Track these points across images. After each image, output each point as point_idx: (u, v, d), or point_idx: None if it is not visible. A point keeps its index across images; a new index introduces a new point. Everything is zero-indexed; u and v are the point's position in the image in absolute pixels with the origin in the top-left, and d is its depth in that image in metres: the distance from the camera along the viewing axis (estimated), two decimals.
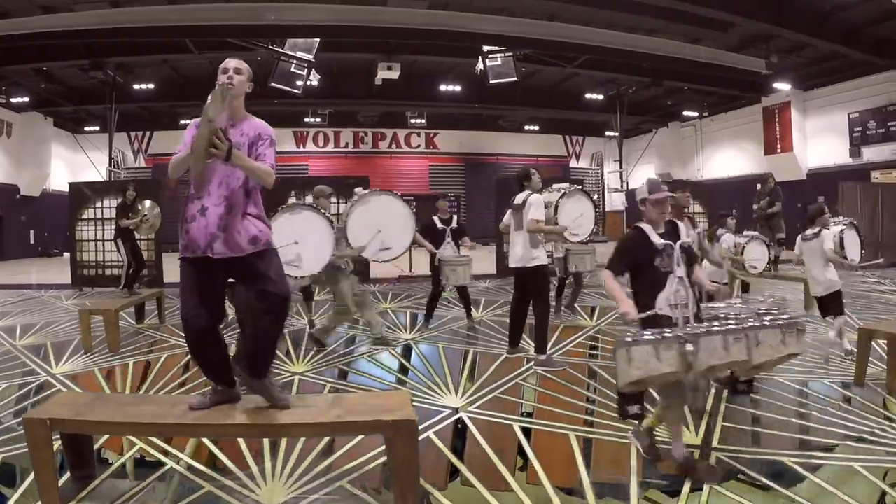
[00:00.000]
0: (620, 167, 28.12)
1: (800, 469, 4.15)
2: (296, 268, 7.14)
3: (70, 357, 7.75)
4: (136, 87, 23.02)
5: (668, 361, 3.62)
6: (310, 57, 17.89)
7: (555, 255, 9.65)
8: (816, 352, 7.33)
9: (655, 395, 5.08)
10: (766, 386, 6.05)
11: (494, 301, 11.77)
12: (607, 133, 32.56)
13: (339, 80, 24.81)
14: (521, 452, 4.58)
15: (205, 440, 4.60)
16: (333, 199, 15.84)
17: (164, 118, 28.59)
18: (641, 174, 29.21)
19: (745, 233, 10.14)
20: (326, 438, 4.67)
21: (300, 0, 16.47)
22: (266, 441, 4.58)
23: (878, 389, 5.92)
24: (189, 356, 6.08)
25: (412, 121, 31.11)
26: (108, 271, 15.43)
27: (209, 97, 3.46)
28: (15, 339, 8.96)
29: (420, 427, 4.77)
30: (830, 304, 7.30)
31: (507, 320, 7.76)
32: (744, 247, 9.44)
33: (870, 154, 22.82)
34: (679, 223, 4.54)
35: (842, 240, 7.57)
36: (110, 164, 24.07)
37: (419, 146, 34.53)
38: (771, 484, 3.95)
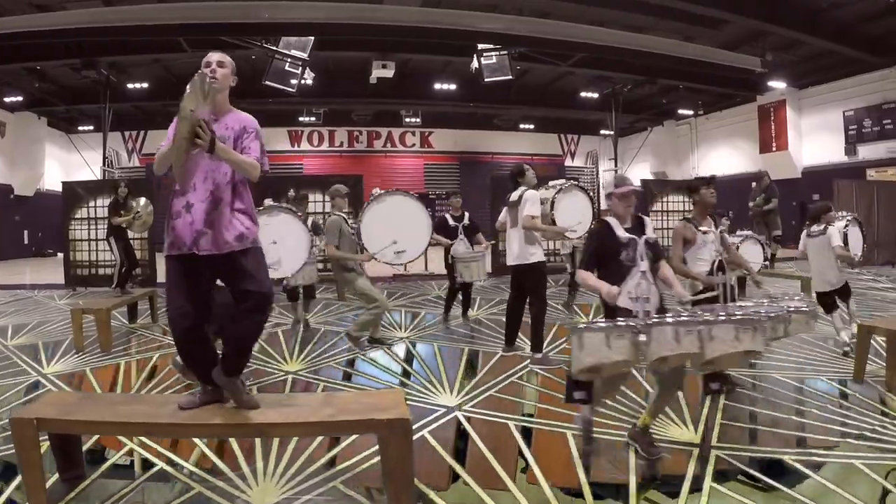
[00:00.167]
0: (615, 166, 28.03)
1: (800, 467, 4.11)
2: (274, 270, 7.08)
3: (61, 357, 7.68)
4: (129, 86, 22.84)
5: (619, 350, 3.69)
6: (304, 55, 17.78)
7: (562, 252, 9.71)
8: (815, 348, 7.31)
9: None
10: (764, 383, 6.04)
11: (490, 299, 11.72)
12: (602, 132, 32.46)
13: (333, 79, 24.70)
14: (518, 452, 4.52)
15: (196, 440, 4.54)
16: (328, 199, 15.92)
17: (158, 117, 28.30)
18: (637, 173, 29.19)
19: (739, 232, 10.12)
20: (320, 438, 4.61)
21: None
22: (258, 441, 4.52)
23: (878, 386, 5.89)
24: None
25: (407, 120, 31.00)
26: (101, 271, 15.32)
27: (188, 87, 3.38)
28: (6, 339, 8.88)
29: (415, 426, 4.74)
30: (840, 296, 7.38)
31: (504, 318, 7.72)
32: (737, 246, 9.41)
33: (865, 152, 22.78)
34: (646, 218, 4.74)
35: (846, 235, 7.70)
36: (104, 164, 23.90)
37: (414, 145, 34.37)
38: (771, 482, 3.90)
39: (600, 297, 4.43)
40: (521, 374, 6.63)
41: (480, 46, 18.41)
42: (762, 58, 20.17)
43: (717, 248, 5.80)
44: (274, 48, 17.54)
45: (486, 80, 18.94)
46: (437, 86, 24.94)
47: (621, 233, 4.48)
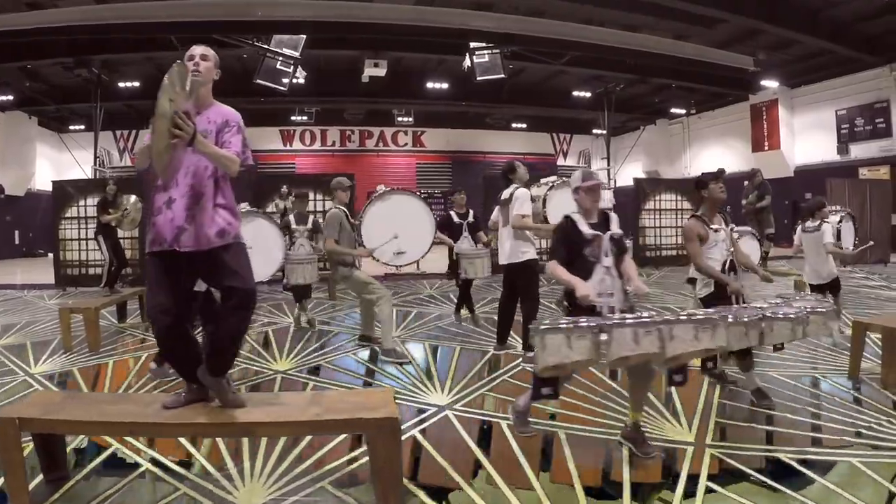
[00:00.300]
0: (608, 165, 28.02)
1: (796, 465, 4.08)
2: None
3: (49, 357, 7.61)
4: (121, 85, 22.70)
5: (580, 350, 3.76)
6: (296, 54, 17.72)
7: None
8: (810, 346, 7.29)
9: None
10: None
11: (482, 298, 11.66)
12: (595, 131, 32.46)
13: (325, 78, 24.61)
14: (510, 450, 4.47)
15: (182, 440, 4.48)
16: (320, 197, 15.87)
17: (150, 116, 27.90)
18: (629, 172, 29.20)
19: (737, 228, 10.09)
20: (309, 437, 4.55)
21: None
22: (246, 441, 4.46)
23: (873, 384, 5.88)
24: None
25: (399, 119, 31.00)
26: (92, 270, 15.20)
27: (165, 79, 3.31)
28: None
29: (405, 426, 4.70)
30: (830, 290, 7.60)
31: (496, 317, 7.68)
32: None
33: (858, 151, 22.82)
34: (611, 214, 4.73)
35: (839, 230, 8.08)
36: (95, 163, 23.80)
37: (406, 144, 34.36)
38: (767, 480, 3.87)
39: (564, 291, 4.49)
40: (512, 372, 6.58)
41: (473, 45, 18.38)
42: (755, 57, 20.20)
43: (729, 247, 5.67)
44: (266, 46, 17.50)
45: (478, 78, 18.94)
46: (430, 85, 24.89)
47: (586, 229, 4.50)
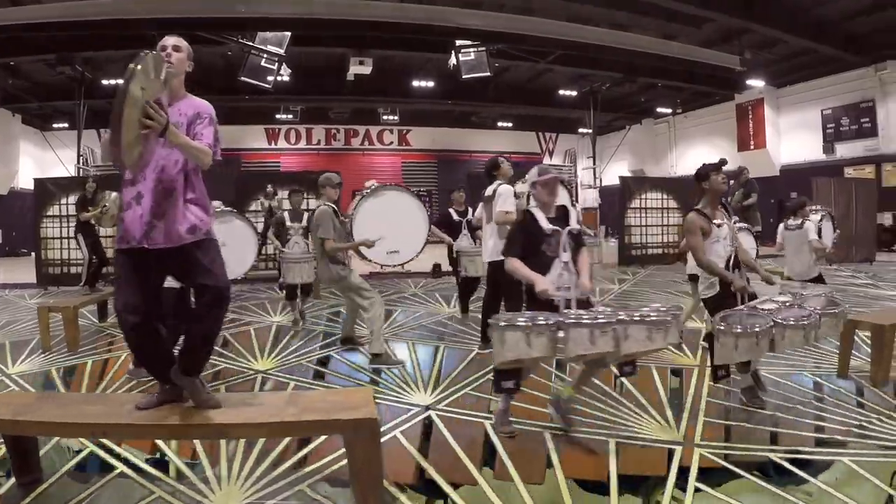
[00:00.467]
0: (594, 164, 27.99)
1: (786, 464, 4.05)
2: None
3: (27, 356, 7.48)
4: (104, 82, 22.48)
5: (538, 347, 3.87)
6: (280, 51, 17.63)
7: None
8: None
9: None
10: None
11: (475, 296, 11.60)
12: (581, 130, 32.45)
13: (310, 76, 24.54)
14: (493, 450, 4.40)
15: (158, 442, 4.38)
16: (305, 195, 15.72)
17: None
18: (615, 171, 29.21)
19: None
20: (287, 438, 4.46)
21: None
22: (223, 442, 4.37)
23: (863, 381, 5.86)
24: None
25: (385, 117, 30.99)
26: (73, 269, 15.02)
27: (134, 65, 3.18)
28: None
29: (386, 426, 4.62)
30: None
31: (480, 316, 7.60)
32: None
33: (843, 150, 22.97)
34: (571, 209, 4.81)
35: (820, 229, 8.33)
36: (79, 162, 23.59)
37: (392, 143, 34.31)
38: (756, 480, 3.82)
39: (524, 286, 4.51)
40: None
41: (458, 43, 18.34)
42: (741, 56, 20.24)
43: (732, 242, 5.37)
44: (250, 43, 17.39)
45: (464, 76, 18.89)
46: (416, 83, 24.84)
47: (545, 224, 4.59)
